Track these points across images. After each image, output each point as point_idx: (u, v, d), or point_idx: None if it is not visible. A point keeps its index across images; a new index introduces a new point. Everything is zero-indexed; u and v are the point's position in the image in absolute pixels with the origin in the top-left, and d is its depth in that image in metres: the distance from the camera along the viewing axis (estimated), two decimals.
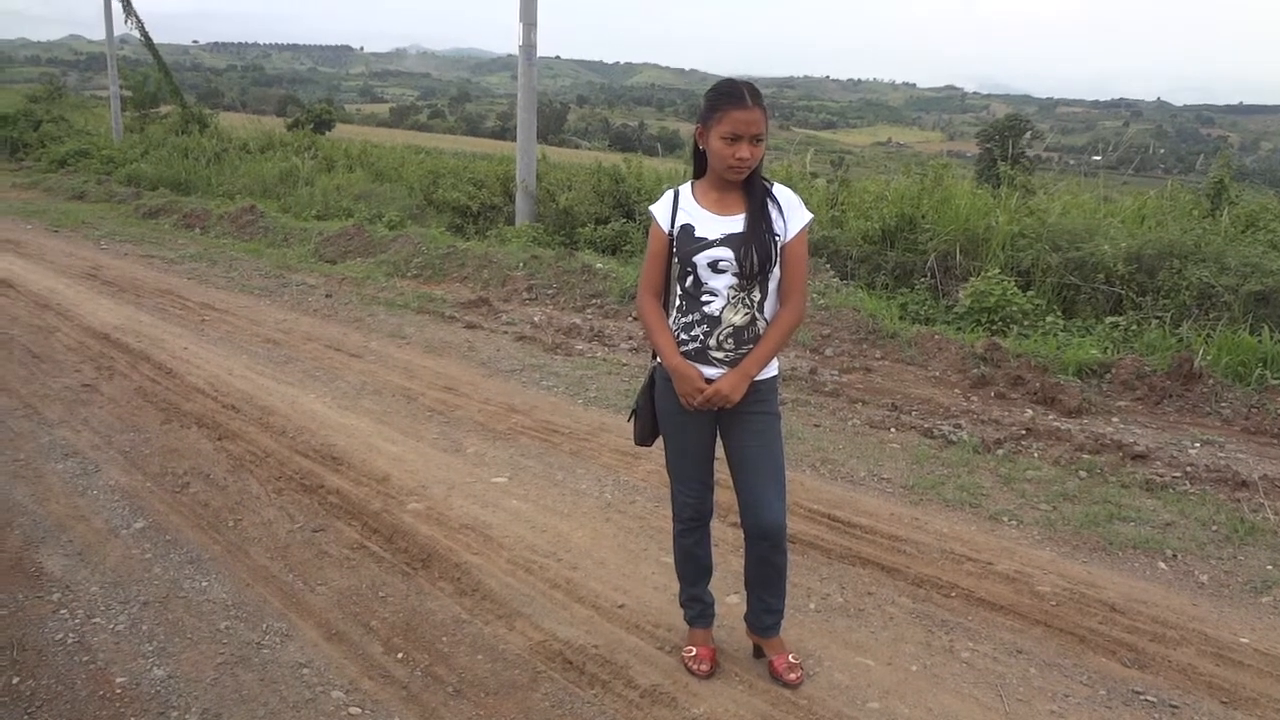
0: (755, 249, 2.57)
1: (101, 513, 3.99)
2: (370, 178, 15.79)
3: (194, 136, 20.51)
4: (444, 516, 4.01)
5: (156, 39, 24.95)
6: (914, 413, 5.52)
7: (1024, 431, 5.15)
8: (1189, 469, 4.64)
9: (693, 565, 2.94)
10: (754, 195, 2.63)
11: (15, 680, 2.81)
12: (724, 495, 3.15)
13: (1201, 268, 6.73)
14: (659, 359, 2.75)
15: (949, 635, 3.16)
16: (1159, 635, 3.18)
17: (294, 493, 4.25)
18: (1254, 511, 4.20)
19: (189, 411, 5.31)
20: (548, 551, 3.71)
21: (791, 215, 2.64)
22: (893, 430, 5.26)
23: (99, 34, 26.95)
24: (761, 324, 2.66)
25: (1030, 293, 7.27)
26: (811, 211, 2.76)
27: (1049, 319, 6.89)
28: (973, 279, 7.47)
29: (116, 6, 23.70)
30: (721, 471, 2.84)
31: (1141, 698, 2.84)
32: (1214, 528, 4.04)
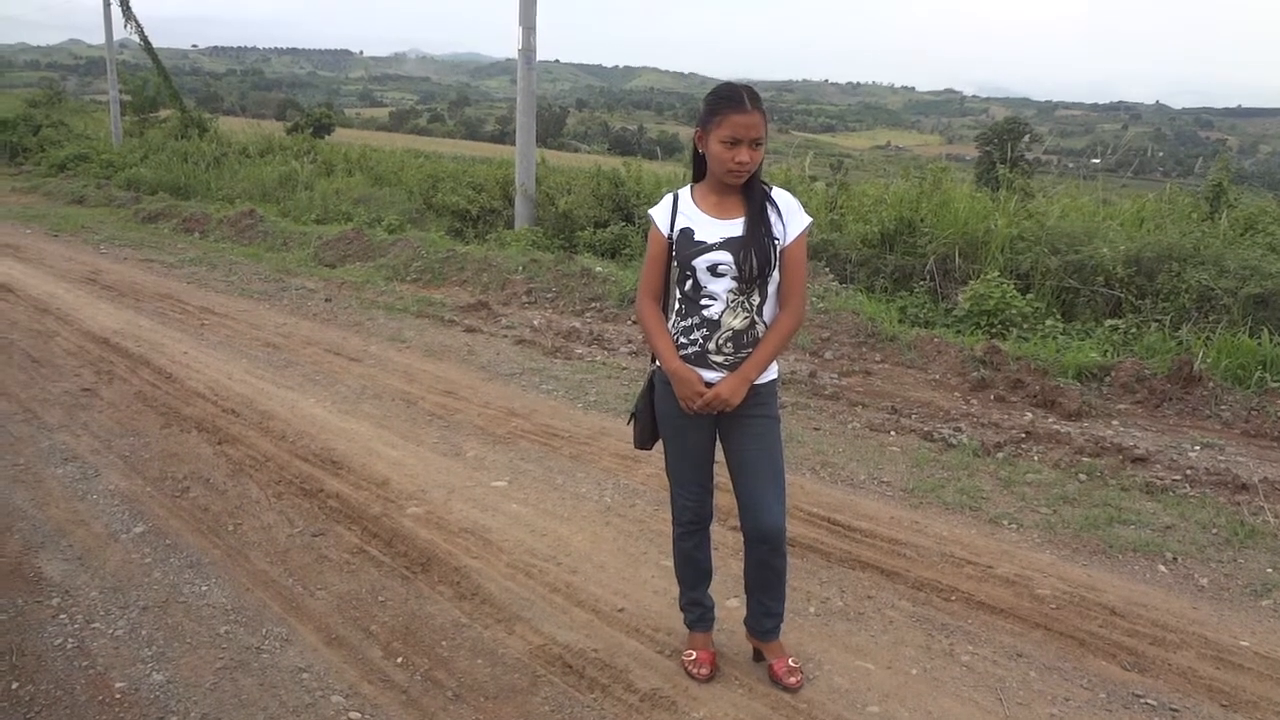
0: (755, 253, 2.57)
1: (101, 517, 3.99)
2: (369, 182, 15.80)
3: (193, 141, 20.54)
4: (444, 520, 4.01)
5: (156, 43, 25.03)
6: (914, 416, 5.52)
7: (1024, 435, 5.15)
8: (1189, 472, 4.64)
9: (692, 569, 2.94)
10: (753, 199, 2.63)
11: (14, 685, 2.81)
12: (724, 499, 3.15)
13: (1201, 271, 6.74)
14: (658, 363, 2.75)
15: (949, 639, 3.16)
16: (1159, 638, 3.18)
17: (294, 497, 4.25)
18: (1254, 514, 4.20)
19: (189, 416, 5.31)
20: (547, 555, 3.71)
21: (791, 219, 2.64)
22: (892, 433, 5.26)
23: (98, 39, 27.00)
24: (761, 328, 2.66)
25: (1030, 296, 7.27)
26: (811, 215, 2.76)
27: (1048, 322, 6.89)
28: (972, 282, 7.48)
29: (116, 11, 23.79)
30: (721, 475, 2.84)
31: (1141, 701, 2.84)
32: (1214, 531, 4.04)
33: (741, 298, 2.62)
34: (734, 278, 2.60)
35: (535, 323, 7.88)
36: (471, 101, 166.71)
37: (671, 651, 3.02)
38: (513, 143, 12.03)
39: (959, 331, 7.00)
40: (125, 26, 24.01)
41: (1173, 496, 4.39)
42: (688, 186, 2.76)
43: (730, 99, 2.51)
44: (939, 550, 3.79)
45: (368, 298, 8.91)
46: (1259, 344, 5.92)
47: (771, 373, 2.73)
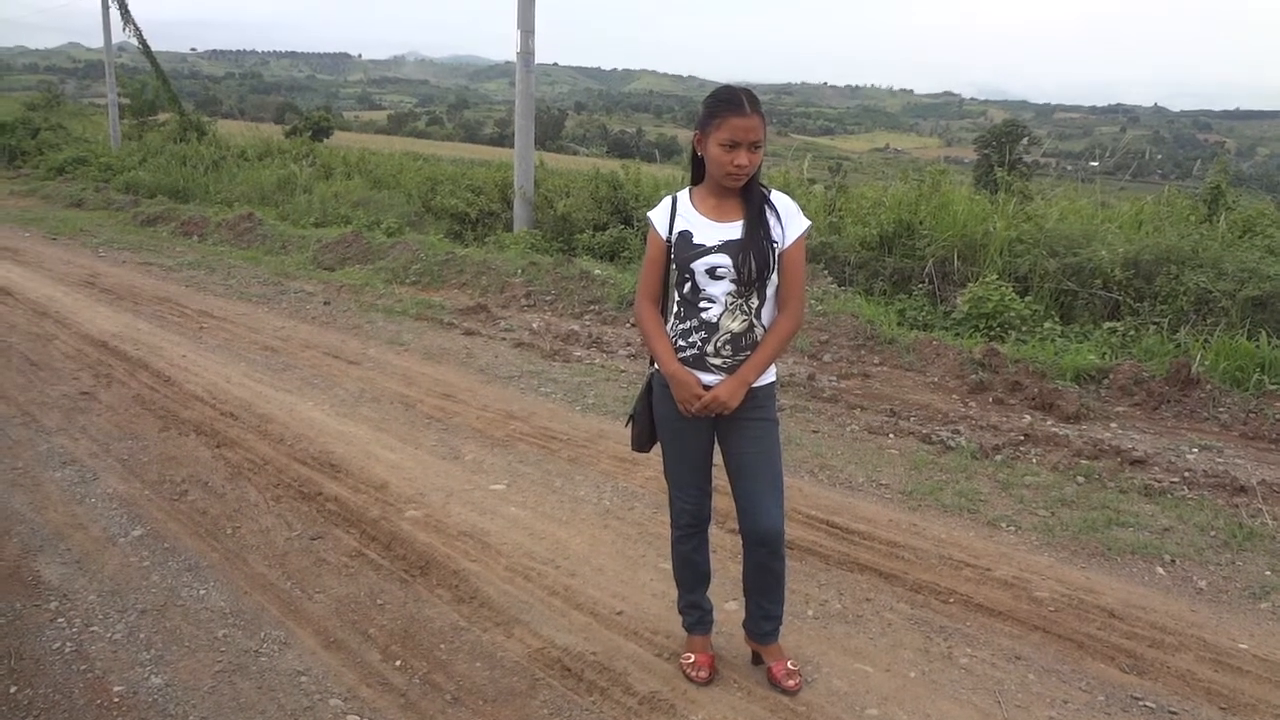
0: (753, 256, 2.57)
1: (99, 520, 3.98)
2: (368, 185, 15.81)
3: (192, 144, 20.54)
4: (442, 524, 4.00)
5: (154, 47, 25.06)
6: (912, 418, 5.52)
7: (1022, 437, 5.15)
8: (1187, 474, 4.65)
9: (691, 571, 2.94)
10: (752, 202, 2.63)
11: (13, 689, 2.81)
12: (722, 501, 3.14)
13: (1199, 273, 6.75)
14: (657, 365, 2.75)
15: (947, 641, 3.16)
16: (1157, 641, 3.18)
17: (292, 500, 4.25)
18: (1252, 517, 4.20)
19: (187, 419, 5.31)
20: (546, 558, 3.71)
21: (789, 222, 2.64)
22: (891, 436, 5.26)
23: (97, 42, 27.01)
24: (759, 331, 2.66)
25: (1028, 298, 7.28)
26: (809, 218, 2.76)
27: (1047, 324, 6.90)
28: (970, 285, 7.48)
29: (115, 14, 23.80)
30: (720, 478, 2.84)
31: (1140, 703, 2.84)
32: (1212, 533, 4.04)
33: (740, 301, 2.62)
34: (732, 281, 2.60)
35: (534, 325, 7.89)
36: (470, 104, 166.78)
37: (670, 654, 3.02)
38: (511, 145, 12.03)
39: (957, 334, 7.01)
40: (124, 30, 24.06)
41: (1171, 499, 4.39)
42: (686, 189, 2.76)
43: (729, 102, 2.52)
44: (937, 553, 3.79)
45: (366, 301, 8.91)
46: (1257, 346, 5.92)
47: (770, 375, 2.73)
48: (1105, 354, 6.35)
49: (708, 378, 2.66)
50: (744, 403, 2.66)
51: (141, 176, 18.10)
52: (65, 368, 6.35)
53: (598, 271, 8.90)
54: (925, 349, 6.54)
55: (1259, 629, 3.29)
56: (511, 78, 11.57)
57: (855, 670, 2.98)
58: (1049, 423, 5.44)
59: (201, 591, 3.41)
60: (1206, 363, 5.89)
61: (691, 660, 2.92)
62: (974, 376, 6.06)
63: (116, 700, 2.76)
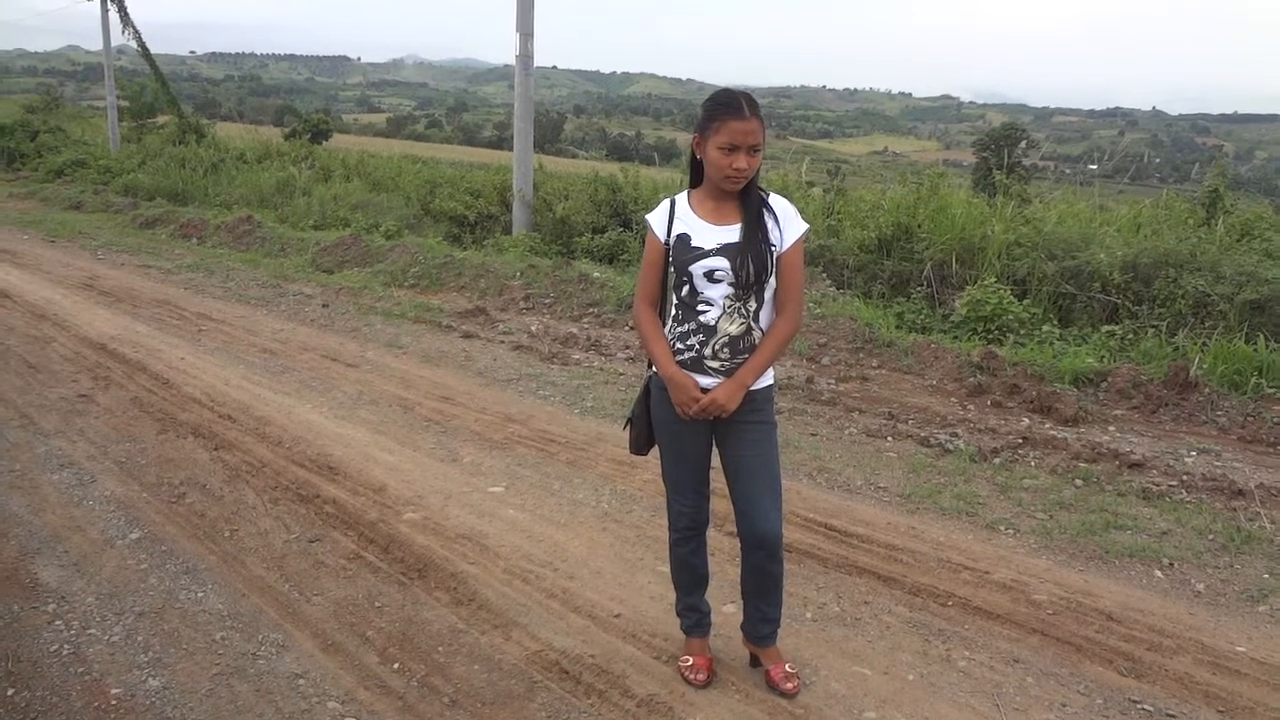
0: (751, 259, 2.58)
1: (97, 523, 3.98)
2: (367, 187, 15.80)
3: (191, 146, 20.53)
4: (440, 526, 4.00)
5: (153, 49, 25.07)
6: (910, 421, 5.52)
7: (1020, 440, 5.15)
8: (1185, 477, 4.65)
9: (689, 574, 2.94)
10: (750, 205, 2.64)
11: (10, 692, 2.80)
12: (720, 504, 3.14)
13: (1197, 276, 6.76)
14: (655, 368, 2.75)
15: (946, 644, 3.16)
16: (1155, 644, 3.18)
17: (290, 503, 4.24)
18: (1250, 520, 4.20)
19: (185, 421, 5.31)
20: (544, 561, 3.70)
21: (787, 225, 2.65)
22: (889, 439, 5.26)
23: (96, 44, 27.01)
24: (757, 334, 2.66)
25: (1026, 301, 7.29)
26: (808, 221, 2.77)
27: (1045, 328, 6.90)
28: (969, 288, 7.49)
29: (114, 17, 23.81)
30: (718, 480, 2.84)
31: (1138, 706, 2.84)
32: (1210, 536, 4.04)
33: (738, 304, 2.62)
34: (731, 284, 2.60)
35: (533, 328, 7.89)
36: (469, 107, 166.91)
37: (668, 657, 3.02)
38: (510, 148, 12.05)
39: (956, 337, 7.01)
40: (123, 33, 24.09)
41: (1169, 502, 4.39)
42: (685, 192, 2.76)
43: (728, 105, 2.52)
44: (936, 556, 3.79)
45: (365, 303, 8.91)
46: (1255, 350, 5.93)
47: (768, 378, 2.73)
48: (1103, 357, 6.36)
49: (706, 380, 2.66)
50: (742, 405, 2.66)
51: (140, 179, 18.10)
52: (63, 370, 6.34)
53: (596, 274, 8.91)
54: (924, 352, 6.54)
55: (1257, 632, 3.29)
56: (510, 81, 11.59)
57: (853, 673, 2.98)
58: (1047, 426, 5.44)
59: (199, 594, 3.41)
60: (1205, 366, 5.89)
61: (690, 663, 2.92)
62: (972, 379, 6.07)
63: (114, 703, 2.76)
